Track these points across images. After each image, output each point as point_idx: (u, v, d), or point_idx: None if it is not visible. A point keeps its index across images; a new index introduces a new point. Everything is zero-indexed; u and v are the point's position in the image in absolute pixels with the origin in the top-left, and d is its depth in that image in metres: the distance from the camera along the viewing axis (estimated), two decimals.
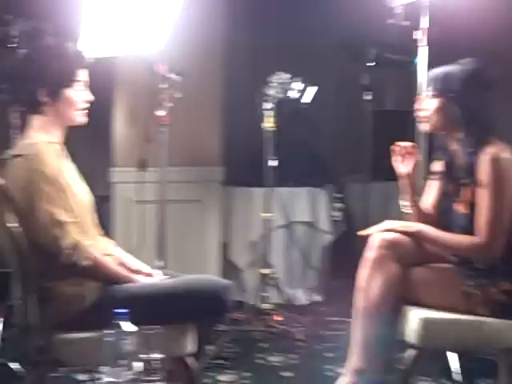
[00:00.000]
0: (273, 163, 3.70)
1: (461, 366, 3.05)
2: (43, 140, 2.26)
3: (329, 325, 3.99)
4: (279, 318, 3.94)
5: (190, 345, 2.26)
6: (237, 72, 5.08)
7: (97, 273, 2.22)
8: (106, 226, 4.46)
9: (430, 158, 2.65)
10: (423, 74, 3.10)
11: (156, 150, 3.46)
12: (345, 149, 5.62)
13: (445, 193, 2.55)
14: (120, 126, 4.29)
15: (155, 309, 2.23)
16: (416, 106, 2.57)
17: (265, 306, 3.77)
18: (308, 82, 3.72)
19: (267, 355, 3.49)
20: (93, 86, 2.38)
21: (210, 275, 2.44)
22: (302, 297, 4.54)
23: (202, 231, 4.40)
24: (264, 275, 3.83)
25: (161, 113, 3.35)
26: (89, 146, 5.92)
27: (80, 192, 2.32)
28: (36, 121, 2.31)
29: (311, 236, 4.60)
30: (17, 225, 2.14)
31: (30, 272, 2.15)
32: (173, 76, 3.34)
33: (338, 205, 4.52)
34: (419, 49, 3.12)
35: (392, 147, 2.59)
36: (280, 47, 5.38)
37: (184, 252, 4.29)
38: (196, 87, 3.96)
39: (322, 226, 4.56)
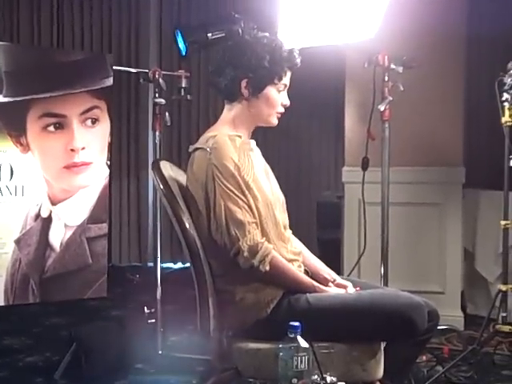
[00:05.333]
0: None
1: None
2: (224, 132, 2.12)
3: None
4: None
5: (375, 369, 2.00)
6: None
7: (278, 279, 2.04)
8: (338, 226, 4.35)
9: None
10: None
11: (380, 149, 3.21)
12: None
13: None
14: (349, 123, 4.10)
15: (342, 325, 2.01)
16: None
17: None
18: None
19: None
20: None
21: (402, 292, 2.12)
22: None
23: (442, 237, 4.03)
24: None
25: (381, 107, 3.10)
26: (322, 143, 5.87)
27: (266, 190, 2.12)
28: (227, 113, 2.19)
29: None
30: (191, 224, 2.04)
31: (206, 274, 2.04)
32: (395, 67, 3.08)
33: None
34: None
35: None
36: None
37: (421, 258, 4.01)
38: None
39: None
